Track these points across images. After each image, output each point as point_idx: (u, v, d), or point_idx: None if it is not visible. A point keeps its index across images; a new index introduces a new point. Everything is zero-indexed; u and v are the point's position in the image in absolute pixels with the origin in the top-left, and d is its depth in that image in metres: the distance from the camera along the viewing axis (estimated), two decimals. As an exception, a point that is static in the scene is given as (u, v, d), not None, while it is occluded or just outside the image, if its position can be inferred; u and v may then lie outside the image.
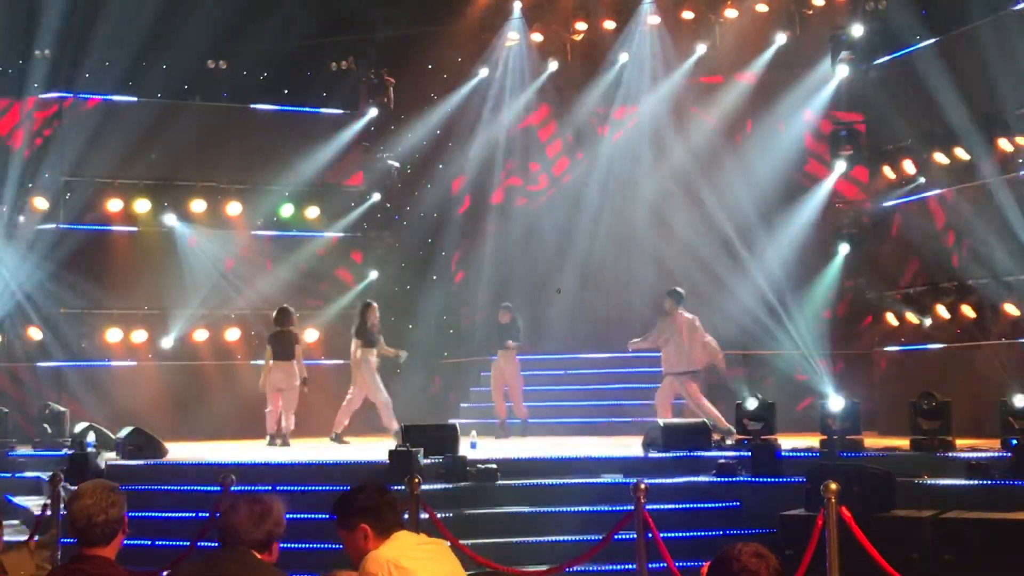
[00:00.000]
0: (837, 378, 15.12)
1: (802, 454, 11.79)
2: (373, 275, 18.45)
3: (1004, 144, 14.06)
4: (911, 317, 15.36)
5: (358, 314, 15.54)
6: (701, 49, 17.75)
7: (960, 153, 14.63)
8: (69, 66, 16.81)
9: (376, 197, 18.65)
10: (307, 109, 18.46)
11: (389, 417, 15.20)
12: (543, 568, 8.68)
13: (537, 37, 18.67)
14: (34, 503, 11.81)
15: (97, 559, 4.50)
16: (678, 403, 14.97)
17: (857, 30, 16.22)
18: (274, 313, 15.44)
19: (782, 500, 10.16)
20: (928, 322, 15.09)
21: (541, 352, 17.34)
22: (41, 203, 16.89)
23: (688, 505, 10.97)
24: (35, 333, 16.61)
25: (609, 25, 18.45)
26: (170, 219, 17.44)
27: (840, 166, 16.67)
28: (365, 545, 4.69)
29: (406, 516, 8.53)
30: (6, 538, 5.65)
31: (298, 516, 10.78)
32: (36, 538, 8.98)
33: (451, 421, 13.79)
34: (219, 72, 17.87)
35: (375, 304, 15.61)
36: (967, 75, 14.85)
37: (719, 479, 11.41)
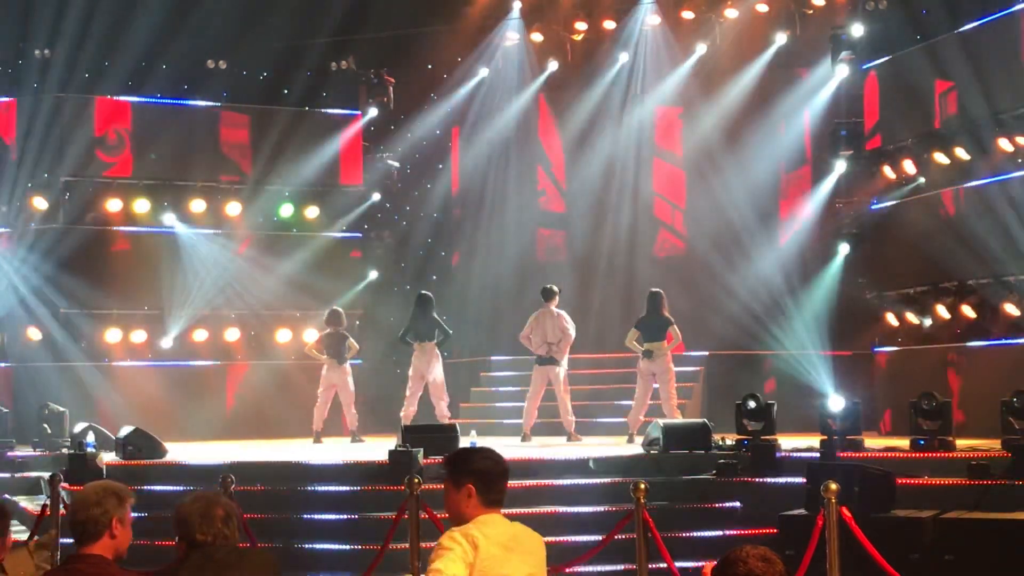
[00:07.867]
0: (837, 378, 15.10)
1: (802, 454, 11.78)
2: (373, 275, 18.43)
3: (1004, 144, 14.05)
4: (911, 317, 15.34)
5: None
6: (701, 49, 17.74)
7: (960, 153, 14.61)
8: (69, 66, 16.80)
9: (376, 197, 18.64)
10: (307, 109, 18.44)
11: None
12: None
13: (537, 37, 18.65)
14: (34, 503, 11.81)
15: (93, 558, 4.50)
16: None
17: (857, 30, 16.22)
18: (326, 314, 15.84)
19: (782, 500, 10.16)
20: (928, 322, 15.07)
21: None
22: (41, 203, 16.88)
23: (688, 505, 10.97)
24: (35, 333, 16.60)
25: (609, 25, 18.42)
26: (170, 219, 17.44)
27: (840, 166, 16.66)
28: (467, 506, 4.62)
29: (406, 516, 8.54)
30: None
31: (299, 516, 10.81)
32: (36, 538, 8.97)
33: (451, 421, 13.77)
34: (219, 72, 17.86)
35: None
36: (967, 75, 14.85)
37: (719, 479, 11.41)
